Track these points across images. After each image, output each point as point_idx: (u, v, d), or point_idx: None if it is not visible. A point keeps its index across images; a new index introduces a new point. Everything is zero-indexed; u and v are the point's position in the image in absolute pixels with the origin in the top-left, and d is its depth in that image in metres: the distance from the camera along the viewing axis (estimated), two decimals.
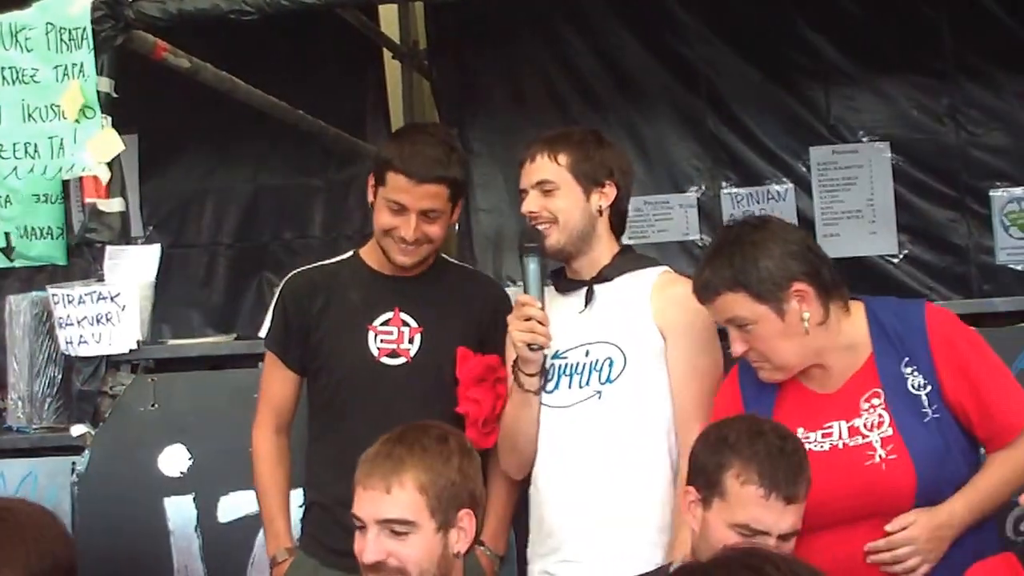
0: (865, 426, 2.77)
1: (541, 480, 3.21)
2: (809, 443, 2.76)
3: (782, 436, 2.62)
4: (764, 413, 2.80)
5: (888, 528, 2.72)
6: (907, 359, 2.79)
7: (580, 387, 3.14)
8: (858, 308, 2.86)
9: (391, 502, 2.52)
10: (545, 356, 3.15)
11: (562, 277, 3.27)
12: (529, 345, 3.08)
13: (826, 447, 2.80)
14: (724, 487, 2.58)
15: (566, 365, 3.17)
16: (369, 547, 2.53)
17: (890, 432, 2.74)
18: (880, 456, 2.73)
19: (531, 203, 3.19)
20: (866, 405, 2.79)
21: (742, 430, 2.63)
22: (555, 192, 3.16)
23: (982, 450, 2.84)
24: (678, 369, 3.10)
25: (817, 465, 2.67)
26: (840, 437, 2.79)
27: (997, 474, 2.77)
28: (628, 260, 3.24)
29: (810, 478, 2.60)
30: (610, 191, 3.19)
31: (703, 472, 2.63)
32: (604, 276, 3.20)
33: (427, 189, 3.23)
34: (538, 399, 3.18)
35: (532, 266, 3.13)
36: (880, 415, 2.77)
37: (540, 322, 3.07)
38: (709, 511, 2.62)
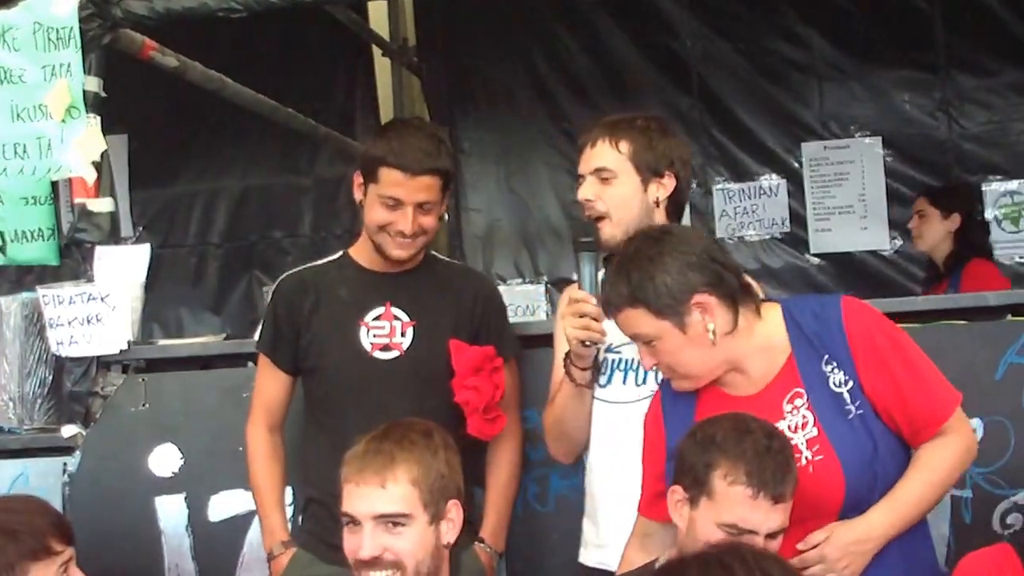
0: (790, 428, 2.70)
1: (597, 474, 3.18)
2: None
3: (769, 435, 2.59)
4: (684, 422, 2.74)
5: (799, 547, 2.66)
6: (827, 356, 2.73)
7: (637, 385, 3.10)
8: (774, 309, 2.80)
9: (387, 496, 2.57)
10: (598, 349, 3.10)
11: None
12: (583, 342, 3.03)
13: None
14: (711, 487, 2.57)
15: (620, 360, 3.14)
16: (366, 542, 2.56)
17: (815, 432, 2.68)
18: (806, 458, 2.67)
19: (587, 190, 3.13)
20: (789, 407, 2.73)
21: (729, 429, 2.60)
22: (612, 181, 3.10)
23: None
24: None
25: None
26: None
27: (919, 480, 2.70)
28: None
29: (796, 476, 2.58)
30: (669, 182, 3.12)
31: (690, 471, 2.61)
32: None
33: (421, 181, 3.23)
34: (590, 392, 3.14)
35: (587, 261, 3.07)
36: (804, 416, 2.70)
37: (595, 318, 2.99)
38: (696, 510, 2.61)
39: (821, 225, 6.60)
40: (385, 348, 3.33)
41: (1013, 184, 6.40)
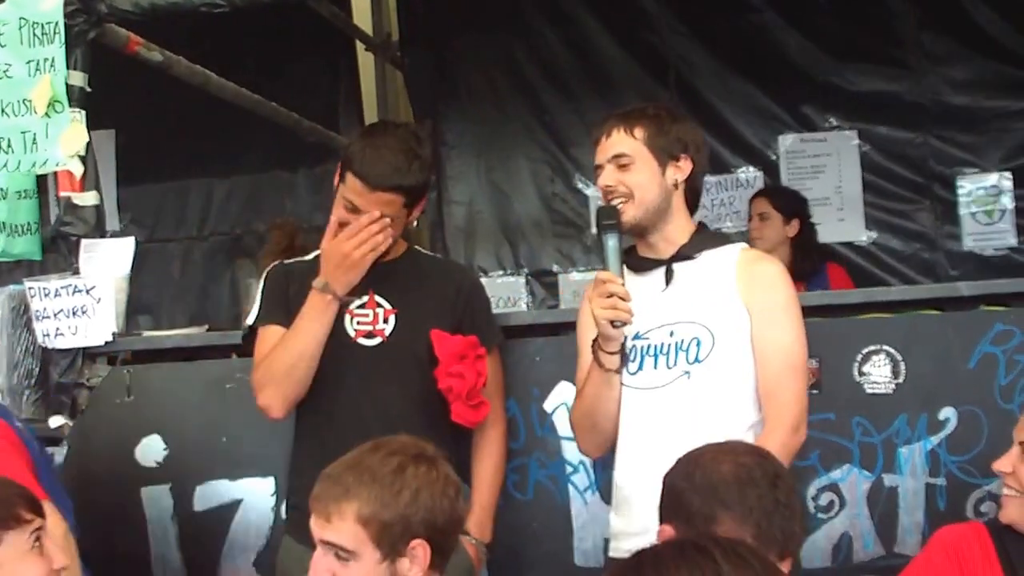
0: None
1: (625, 462, 3.16)
2: None
3: (773, 482, 2.40)
4: None
5: None
6: None
7: (668, 368, 3.08)
8: None
9: (332, 530, 2.48)
10: (625, 336, 3.11)
11: (635, 256, 3.21)
12: (612, 322, 3.02)
13: None
14: None
15: (649, 346, 3.12)
16: (315, 565, 2.51)
17: None
18: None
19: (607, 177, 3.15)
20: None
21: (730, 479, 2.40)
22: (631, 166, 3.12)
23: None
24: (761, 347, 3.05)
25: None
26: None
27: None
28: (707, 238, 3.21)
29: (804, 524, 2.46)
30: (685, 165, 3.15)
31: (688, 518, 2.40)
32: (684, 254, 3.15)
33: (381, 197, 3.23)
34: (619, 378, 3.12)
35: (611, 243, 3.07)
36: None
37: (622, 298, 2.99)
38: None
39: None
40: (369, 335, 3.34)
41: (987, 177, 6.45)
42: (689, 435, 2.91)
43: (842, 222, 6.59)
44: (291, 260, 3.55)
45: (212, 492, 3.74)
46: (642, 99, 6.58)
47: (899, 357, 3.56)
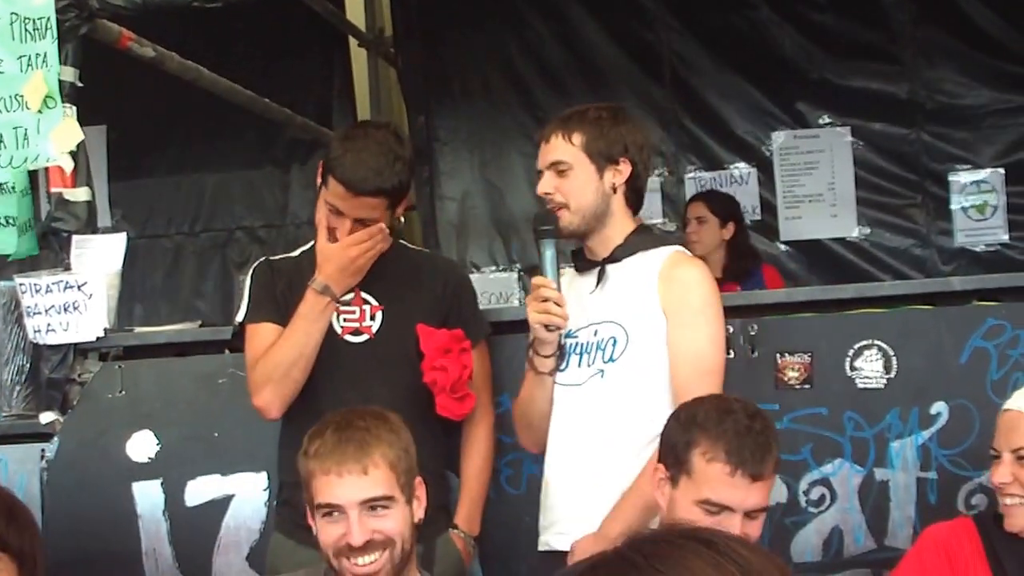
0: None
1: (549, 456, 3.24)
2: None
3: (751, 415, 2.65)
4: None
5: None
6: None
7: (588, 366, 3.15)
8: None
9: (370, 482, 2.64)
10: (561, 336, 3.17)
11: (581, 257, 3.28)
12: (546, 326, 3.10)
13: None
14: (691, 465, 2.61)
15: (576, 344, 3.19)
16: (356, 529, 2.62)
17: None
18: None
19: (545, 184, 3.19)
20: None
21: (711, 409, 2.66)
22: (568, 173, 3.16)
23: None
24: (673, 349, 3.07)
25: None
26: None
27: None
28: (642, 240, 3.22)
29: (778, 456, 2.64)
30: (624, 168, 3.17)
31: (672, 450, 2.67)
32: (615, 256, 3.19)
33: (364, 201, 3.24)
34: (552, 380, 3.21)
35: (547, 249, 3.14)
36: None
37: (556, 303, 3.09)
38: (676, 489, 2.64)
39: (791, 213, 6.65)
40: (355, 332, 3.34)
41: (979, 173, 6.46)
42: (601, 432, 3.09)
43: (835, 218, 6.61)
44: (277, 257, 3.54)
45: (204, 487, 3.74)
46: (637, 95, 6.71)
47: (891, 352, 3.56)
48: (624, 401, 3.10)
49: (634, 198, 3.24)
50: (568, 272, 3.27)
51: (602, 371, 3.13)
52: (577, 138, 3.16)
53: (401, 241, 3.53)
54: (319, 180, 3.34)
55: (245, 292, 3.47)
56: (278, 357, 3.27)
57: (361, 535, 2.62)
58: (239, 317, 3.49)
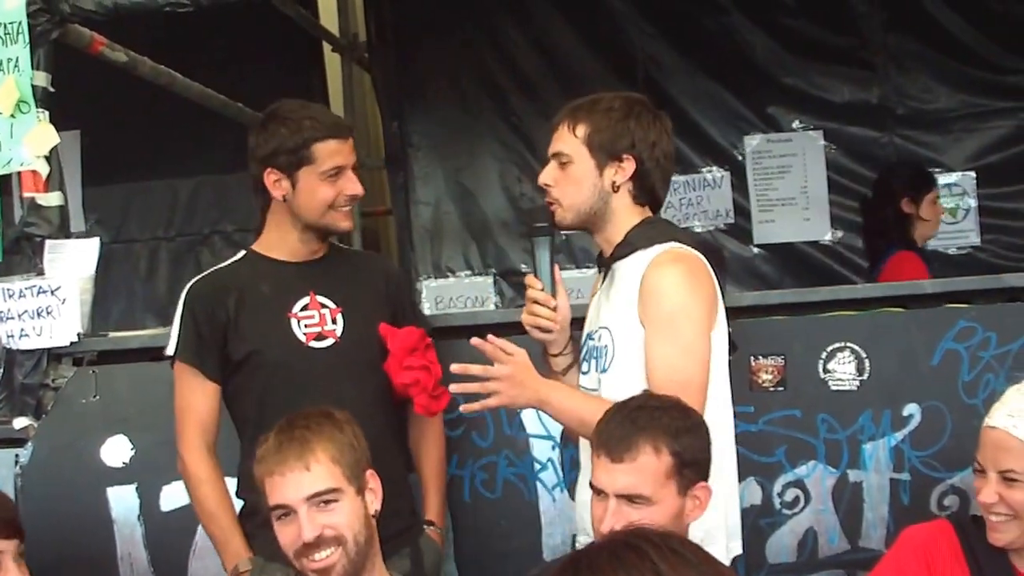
0: None
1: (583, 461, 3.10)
2: None
3: (643, 404, 2.65)
4: None
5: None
6: None
7: (596, 372, 3.00)
8: None
9: (313, 477, 2.67)
10: (573, 335, 3.11)
11: (599, 254, 3.11)
12: (538, 328, 3.03)
13: None
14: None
15: (594, 348, 3.04)
16: (305, 526, 2.65)
17: None
18: None
19: (545, 175, 3.04)
20: None
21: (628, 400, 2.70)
22: (569, 166, 2.99)
23: None
24: (647, 359, 2.84)
25: None
26: None
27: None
28: (639, 236, 2.97)
29: (660, 443, 2.56)
30: (628, 165, 2.96)
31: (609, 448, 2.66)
32: (616, 255, 3.00)
33: (351, 143, 3.28)
34: (575, 378, 3.10)
35: (540, 247, 3.02)
36: None
37: (543, 303, 2.99)
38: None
39: (765, 216, 6.66)
40: (319, 337, 3.27)
41: (951, 177, 6.50)
42: None
43: (808, 222, 6.62)
44: (212, 270, 3.44)
45: (179, 492, 3.70)
46: None
47: (863, 354, 3.59)
48: None
49: (644, 197, 3.02)
50: (593, 270, 3.18)
51: (600, 380, 2.98)
52: (581, 129, 2.98)
53: (332, 241, 3.45)
54: (283, 189, 3.27)
55: (177, 317, 3.32)
56: (202, 510, 3.27)
57: (311, 530, 2.64)
58: (170, 348, 3.33)
